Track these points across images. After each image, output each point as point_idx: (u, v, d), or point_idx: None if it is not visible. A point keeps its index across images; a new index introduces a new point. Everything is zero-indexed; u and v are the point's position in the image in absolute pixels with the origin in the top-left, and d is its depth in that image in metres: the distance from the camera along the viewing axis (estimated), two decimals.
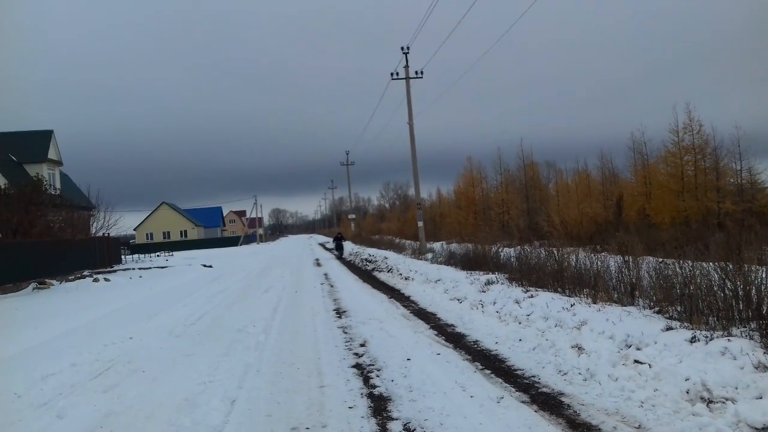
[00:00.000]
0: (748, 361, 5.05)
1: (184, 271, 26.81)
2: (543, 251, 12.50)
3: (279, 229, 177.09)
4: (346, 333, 9.40)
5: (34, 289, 19.63)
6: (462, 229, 36.54)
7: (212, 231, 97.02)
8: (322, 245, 60.02)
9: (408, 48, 27.60)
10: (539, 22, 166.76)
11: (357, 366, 7.15)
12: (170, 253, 49.89)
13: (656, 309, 7.74)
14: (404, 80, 28.07)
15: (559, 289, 10.46)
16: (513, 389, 5.82)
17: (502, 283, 11.86)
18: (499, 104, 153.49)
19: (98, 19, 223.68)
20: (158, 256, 46.55)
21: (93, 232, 31.27)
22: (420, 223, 28.26)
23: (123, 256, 38.19)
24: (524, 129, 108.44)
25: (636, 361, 5.89)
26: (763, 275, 6.34)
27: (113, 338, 9.71)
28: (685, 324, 6.66)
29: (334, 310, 12.13)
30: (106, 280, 22.55)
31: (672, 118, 25.97)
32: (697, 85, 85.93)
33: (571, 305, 8.51)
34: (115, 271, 27.19)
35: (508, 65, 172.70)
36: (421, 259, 22.70)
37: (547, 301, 9.11)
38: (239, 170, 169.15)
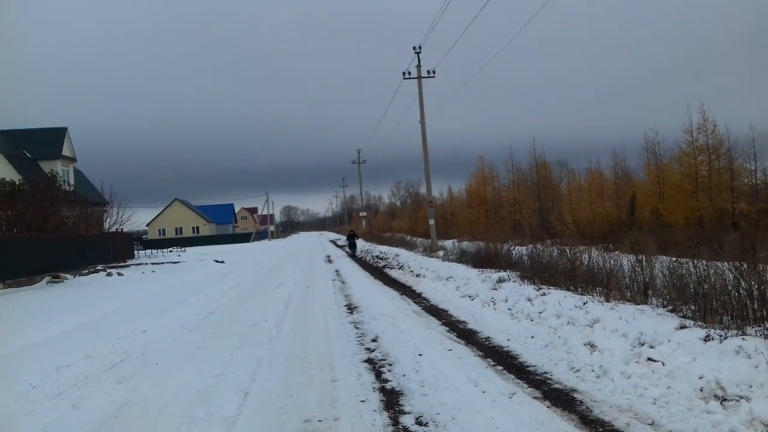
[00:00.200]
0: (763, 359, 5.02)
1: (197, 267, 26.97)
2: (555, 250, 12.47)
3: (290, 226, 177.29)
4: (357, 328, 9.44)
5: (48, 282, 19.86)
6: (473, 228, 36.37)
7: (224, 227, 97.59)
8: (333, 242, 60.20)
9: (420, 48, 27.69)
10: (551, 22, 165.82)
11: (369, 361, 7.18)
12: (182, 249, 50.16)
13: (670, 308, 7.70)
14: (416, 80, 28.13)
15: (571, 288, 10.44)
16: (525, 385, 5.82)
17: (513, 281, 11.85)
18: (511, 104, 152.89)
19: (114, 20, 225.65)
20: (170, 251, 46.86)
21: (106, 227, 31.48)
22: (431, 221, 28.29)
23: (136, 252, 38.43)
24: (536, 128, 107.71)
25: (649, 359, 5.87)
26: None
27: (127, 331, 9.82)
28: (699, 323, 6.63)
29: (346, 305, 12.17)
30: (120, 274, 22.75)
31: (686, 117, 25.75)
32: (711, 85, 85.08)
33: (584, 303, 8.48)
34: (128, 265, 27.42)
35: (520, 65, 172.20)
36: (432, 257, 22.69)
37: (559, 299, 9.09)
38: (251, 168, 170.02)
